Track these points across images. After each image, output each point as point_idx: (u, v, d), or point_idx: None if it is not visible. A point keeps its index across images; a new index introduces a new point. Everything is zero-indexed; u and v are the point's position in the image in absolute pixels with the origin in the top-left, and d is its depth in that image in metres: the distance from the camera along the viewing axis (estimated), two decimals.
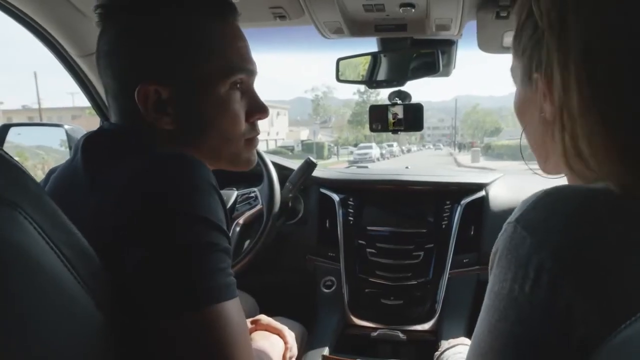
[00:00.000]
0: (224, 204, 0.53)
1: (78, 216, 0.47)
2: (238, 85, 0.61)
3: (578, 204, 0.41)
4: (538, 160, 0.56)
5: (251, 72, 0.62)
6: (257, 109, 0.63)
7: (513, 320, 0.41)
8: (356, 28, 1.07)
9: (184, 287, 0.47)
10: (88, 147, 0.57)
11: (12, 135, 1.35)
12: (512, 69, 0.57)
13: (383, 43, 1.19)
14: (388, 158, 31.06)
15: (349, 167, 2.09)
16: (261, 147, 0.96)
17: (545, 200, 0.43)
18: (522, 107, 0.55)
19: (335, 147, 36.28)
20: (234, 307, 0.49)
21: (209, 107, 0.59)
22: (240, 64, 0.60)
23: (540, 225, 0.41)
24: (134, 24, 0.58)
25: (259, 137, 0.69)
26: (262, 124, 0.69)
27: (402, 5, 0.94)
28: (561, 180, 0.52)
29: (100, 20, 0.59)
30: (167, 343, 0.47)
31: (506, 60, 0.58)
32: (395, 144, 37.02)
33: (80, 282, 0.44)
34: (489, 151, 31.80)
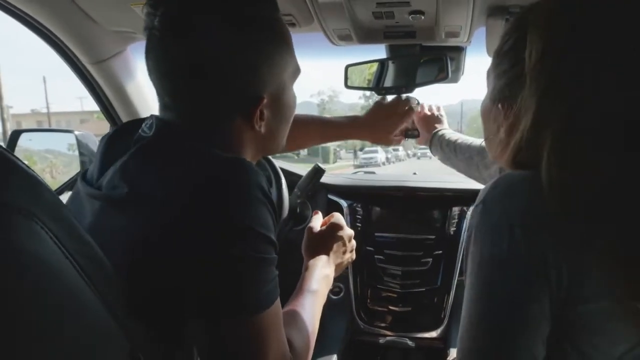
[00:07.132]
0: (274, 209, 0.56)
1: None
2: None
3: (528, 180, 0.49)
4: (493, 155, 0.64)
5: None
6: None
7: (498, 280, 0.46)
8: (365, 35, 1.07)
9: (227, 297, 0.51)
10: (162, 137, 0.59)
11: (23, 141, 1.36)
12: (488, 75, 0.62)
13: (391, 49, 1.19)
14: (394, 162, 30.96)
15: (355, 172, 2.06)
16: None
17: (502, 181, 0.50)
18: (487, 116, 0.62)
19: (341, 151, 36.24)
20: (272, 312, 0.54)
21: (289, 105, 0.68)
22: (298, 64, 0.68)
23: (503, 197, 0.49)
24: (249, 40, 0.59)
25: None
26: None
27: (412, 12, 0.94)
28: None
29: (187, 27, 0.56)
30: (210, 345, 0.53)
31: None
32: (400, 147, 36.83)
33: (93, 290, 0.44)
34: None
